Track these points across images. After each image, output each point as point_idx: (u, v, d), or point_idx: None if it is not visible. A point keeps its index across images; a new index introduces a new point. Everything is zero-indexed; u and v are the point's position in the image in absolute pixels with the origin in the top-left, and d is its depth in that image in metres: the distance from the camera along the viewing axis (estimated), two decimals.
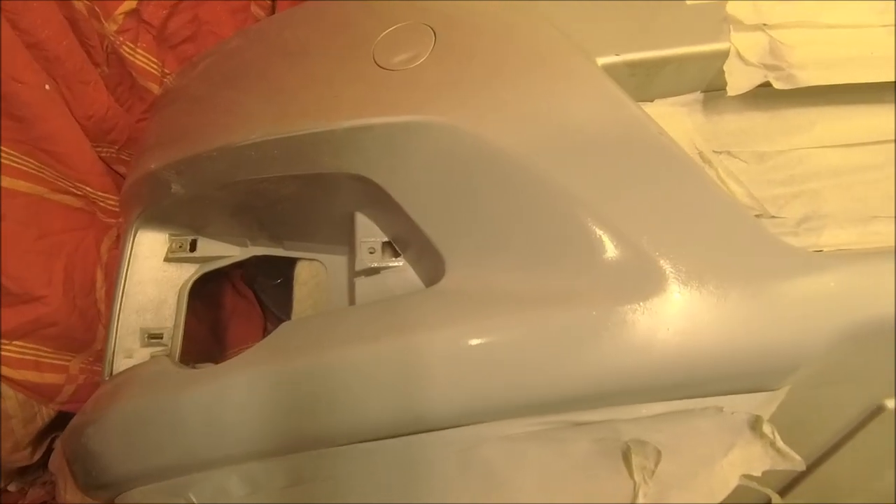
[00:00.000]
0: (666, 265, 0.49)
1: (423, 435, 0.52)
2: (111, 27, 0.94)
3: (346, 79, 0.64)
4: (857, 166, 0.58)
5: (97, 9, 0.91)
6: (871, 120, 0.60)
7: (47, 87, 0.86)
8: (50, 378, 0.91)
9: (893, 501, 0.68)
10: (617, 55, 0.57)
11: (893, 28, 0.57)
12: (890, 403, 0.54)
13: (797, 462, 0.47)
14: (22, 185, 0.86)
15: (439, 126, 0.55)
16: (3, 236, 0.82)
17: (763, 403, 0.49)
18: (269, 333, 0.63)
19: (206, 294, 1.16)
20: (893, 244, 0.52)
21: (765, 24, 0.57)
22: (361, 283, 0.67)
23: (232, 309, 1.23)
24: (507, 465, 0.51)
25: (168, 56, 1.04)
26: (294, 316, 0.84)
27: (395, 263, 0.65)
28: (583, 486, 0.50)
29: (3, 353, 0.84)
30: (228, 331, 1.22)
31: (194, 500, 0.60)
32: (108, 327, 0.78)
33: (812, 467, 0.60)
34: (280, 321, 0.73)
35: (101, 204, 0.96)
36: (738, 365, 0.47)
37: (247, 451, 0.57)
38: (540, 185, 0.52)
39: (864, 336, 0.48)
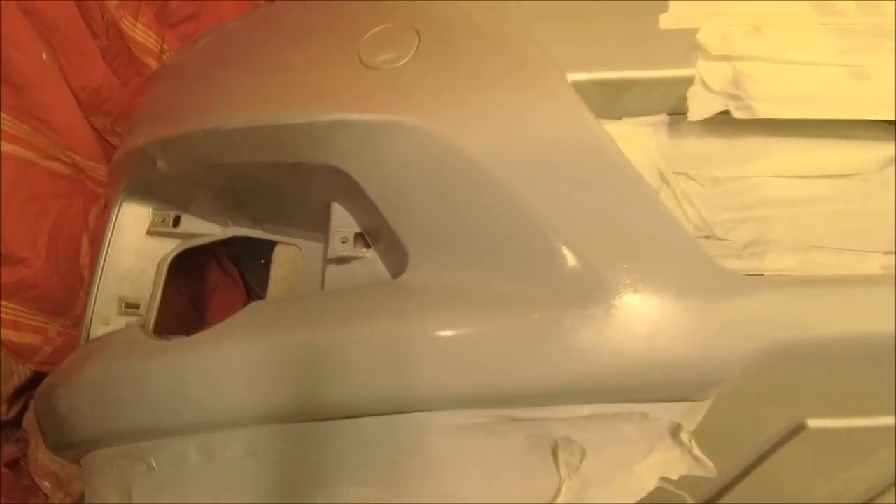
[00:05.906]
0: (609, 277, 0.52)
1: (372, 419, 0.55)
2: (113, 1, 0.96)
3: (331, 73, 0.66)
4: (807, 198, 0.61)
5: None
6: (825, 154, 0.62)
7: (44, 56, 0.87)
8: (28, 338, 0.94)
9: None
10: (588, 73, 0.59)
11: (851, 68, 0.60)
12: (811, 423, 0.58)
13: (710, 469, 0.50)
14: (13, 149, 0.88)
15: (412, 127, 0.58)
16: None
17: (686, 413, 0.52)
18: None
19: (189, 268, 1.17)
20: (825, 273, 0.55)
21: (730, 56, 0.60)
22: (332, 271, 0.69)
23: (215, 285, 1.24)
24: (452, 453, 0.54)
25: (168, 33, 1.06)
26: (269, 296, 0.86)
27: (365, 255, 0.68)
28: (517, 477, 0.53)
29: None
30: (210, 306, 1.23)
31: (154, 465, 0.63)
32: (88, 294, 0.81)
33: (737, 479, 0.64)
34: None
35: (91, 173, 0.98)
36: (664, 375, 0.51)
37: (205, 421, 0.60)
38: (499, 193, 0.55)
39: (786, 357, 0.51)
